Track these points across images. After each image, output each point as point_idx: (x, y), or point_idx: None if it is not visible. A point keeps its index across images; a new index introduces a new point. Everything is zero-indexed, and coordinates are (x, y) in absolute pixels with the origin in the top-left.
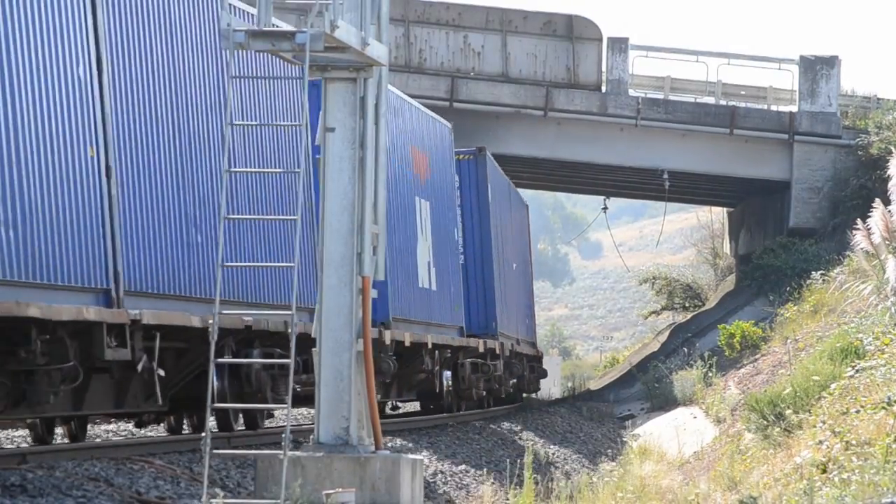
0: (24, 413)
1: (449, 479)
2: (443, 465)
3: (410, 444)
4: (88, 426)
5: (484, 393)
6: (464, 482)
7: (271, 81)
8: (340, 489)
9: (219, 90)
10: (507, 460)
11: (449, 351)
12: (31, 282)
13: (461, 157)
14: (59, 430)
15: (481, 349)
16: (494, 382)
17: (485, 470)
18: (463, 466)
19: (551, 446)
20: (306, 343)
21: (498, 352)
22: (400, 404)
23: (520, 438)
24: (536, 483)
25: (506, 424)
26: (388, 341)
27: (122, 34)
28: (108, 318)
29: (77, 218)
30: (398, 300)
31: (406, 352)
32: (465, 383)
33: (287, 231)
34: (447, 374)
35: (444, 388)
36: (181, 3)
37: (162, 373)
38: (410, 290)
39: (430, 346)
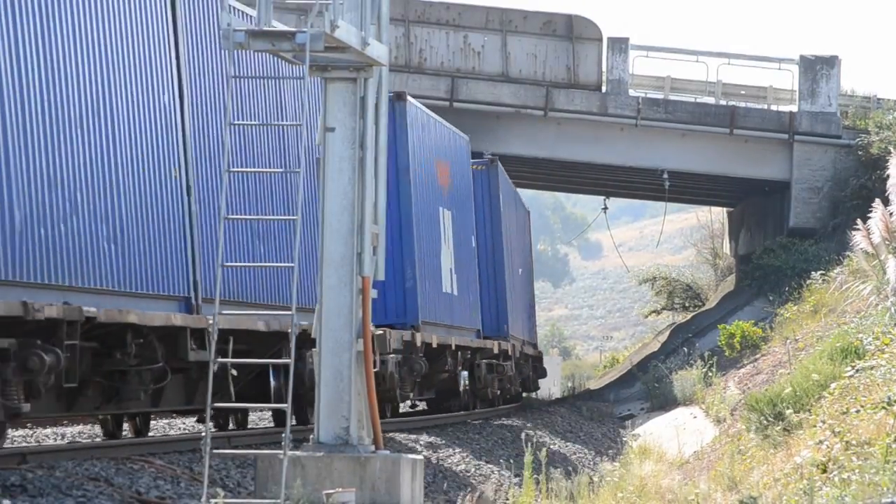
0: (112, 409)
1: (449, 478)
2: (443, 465)
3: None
4: (152, 421)
5: (498, 392)
6: (464, 482)
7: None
8: (340, 489)
9: (280, 116)
10: (508, 460)
11: (469, 352)
12: (128, 291)
13: (475, 167)
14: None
15: (496, 350)
16: (507, 382)
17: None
18: (463, 467)
19: (551, 446)
20: None
21: (510, 353)
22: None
23: (520, 438)
24: (536, 483)
25: (506, 423)
26: (418, 343)
27: (199, 65)
28: (191, 323)
29: (164, 232)
30: (426, 304)
31: (432, 353)
32: (481, 383)
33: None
34: (464, 374)
35: (464, 388)
36: None
37: (235, 372)
38: (436, 294)
39: (453, 347)
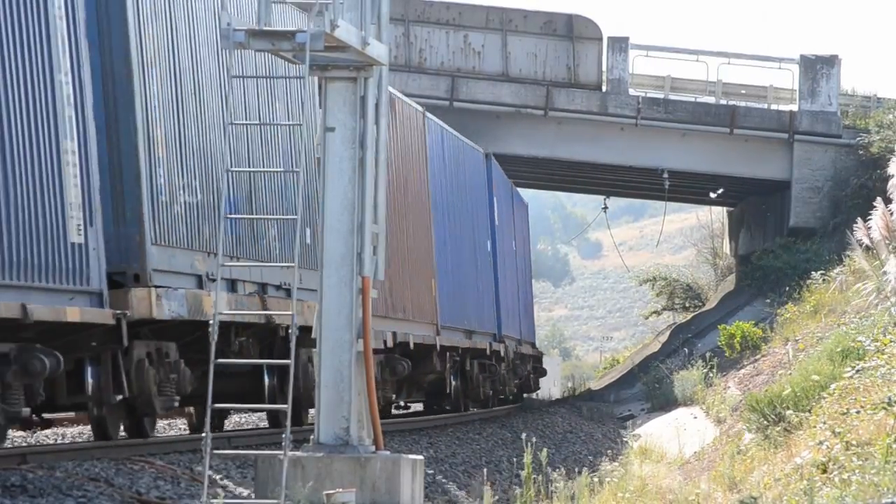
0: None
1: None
2: (443, 465)
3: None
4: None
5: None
6: (464, 482)
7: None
8: (341, 489)
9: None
10: (508, 460)
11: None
12: None
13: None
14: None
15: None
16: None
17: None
18: (463, 467)
19: (551, 446)
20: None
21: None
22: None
23: (520, 438)
24: (536, 483)
25: (506, 424)
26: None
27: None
28: None
29: None
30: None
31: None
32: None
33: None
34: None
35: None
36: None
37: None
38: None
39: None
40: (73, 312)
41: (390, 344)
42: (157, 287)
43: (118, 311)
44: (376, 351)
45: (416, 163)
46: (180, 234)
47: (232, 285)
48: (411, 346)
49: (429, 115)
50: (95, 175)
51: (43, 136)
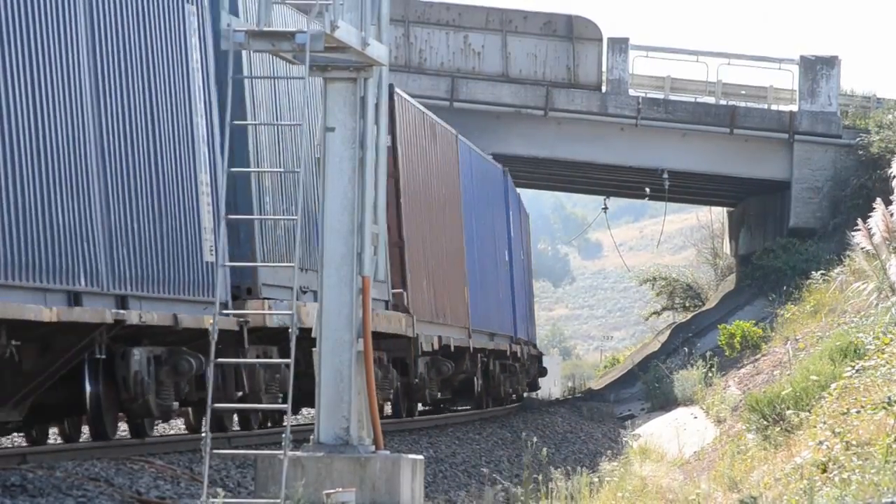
0: None
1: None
2: (443, 465)
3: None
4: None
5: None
6: (464, 482)
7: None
8: (340, 489)
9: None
10: (508, 460)
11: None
12: None
13: None
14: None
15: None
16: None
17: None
18: (463, 467)
19: (551, 446)
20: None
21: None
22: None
23: (520, 438)
24: (536, 483)
25: (506, 424)
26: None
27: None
28: None
29: None
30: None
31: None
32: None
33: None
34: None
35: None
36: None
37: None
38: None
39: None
40: (209, 320)
41: (436, 347)
42: (266, 299)
43: (241, 319)
44: (426, 353)
45: (452, 182)
46: (281, 252)
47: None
48: (452, 348)
49: (460, 137)
50: (223, 202)
51: (185, 171)
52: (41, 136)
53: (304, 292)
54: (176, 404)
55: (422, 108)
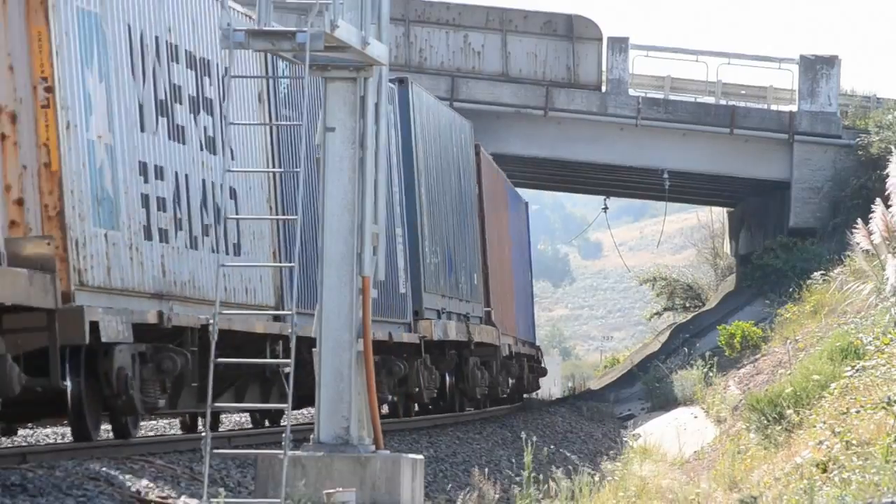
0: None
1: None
2: (443, 465)
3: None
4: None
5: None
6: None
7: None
8: (341, 489)
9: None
10: (508, 460)
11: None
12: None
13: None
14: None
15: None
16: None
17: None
18: (463, 467)
19: (551, 446)
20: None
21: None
22: None
23: (520, 438)
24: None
25: (506, 424)
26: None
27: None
28: None
29: None
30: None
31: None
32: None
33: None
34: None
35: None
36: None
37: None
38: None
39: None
40: (405, 336)
41: (507, 353)
42: (429, 319)
43: (420, 335)
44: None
45: (503, 204)
46: (432, 283)
47: (448, 315)
48: (512, 354)
49: (502, 174)
50: (407, 248)
51: (389, 226)
52: None
53: (445, 313)
54: (161, 402)
55: (495, 165)
